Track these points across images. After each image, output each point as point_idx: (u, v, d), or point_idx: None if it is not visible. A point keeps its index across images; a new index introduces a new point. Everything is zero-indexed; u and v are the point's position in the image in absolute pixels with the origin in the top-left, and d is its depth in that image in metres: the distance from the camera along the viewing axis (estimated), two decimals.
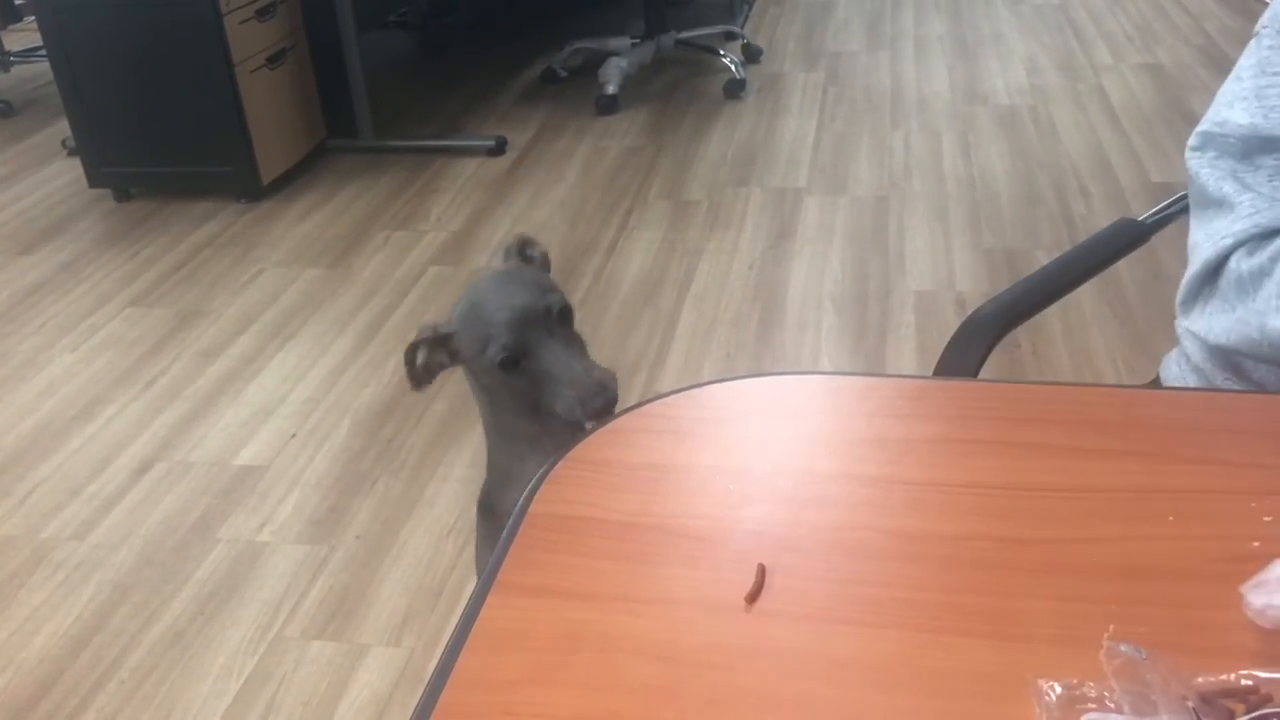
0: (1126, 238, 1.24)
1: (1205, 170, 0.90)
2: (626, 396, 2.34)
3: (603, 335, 2.40)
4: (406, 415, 2.18)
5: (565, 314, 0.99)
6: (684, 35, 3.96)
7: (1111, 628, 0.57)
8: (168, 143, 3.10)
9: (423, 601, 1.73)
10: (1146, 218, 1.26)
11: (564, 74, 3.96)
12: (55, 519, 1.95)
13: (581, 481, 0.71)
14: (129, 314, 2.62)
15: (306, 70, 3.31)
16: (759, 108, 3.66)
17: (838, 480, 0.70)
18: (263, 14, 3.07)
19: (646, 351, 2.33)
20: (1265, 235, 0.84)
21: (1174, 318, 0.97)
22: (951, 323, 2.33)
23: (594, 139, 3.48)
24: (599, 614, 0.60)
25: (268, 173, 3.13)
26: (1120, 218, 1.27)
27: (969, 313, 1.15)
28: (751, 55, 4.07)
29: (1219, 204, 0.88)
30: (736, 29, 4.17)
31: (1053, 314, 2.28)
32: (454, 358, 1.02)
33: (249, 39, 3.01)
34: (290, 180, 3.25)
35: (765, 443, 0.75)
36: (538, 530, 0.68)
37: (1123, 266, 2.40)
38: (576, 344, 1.00)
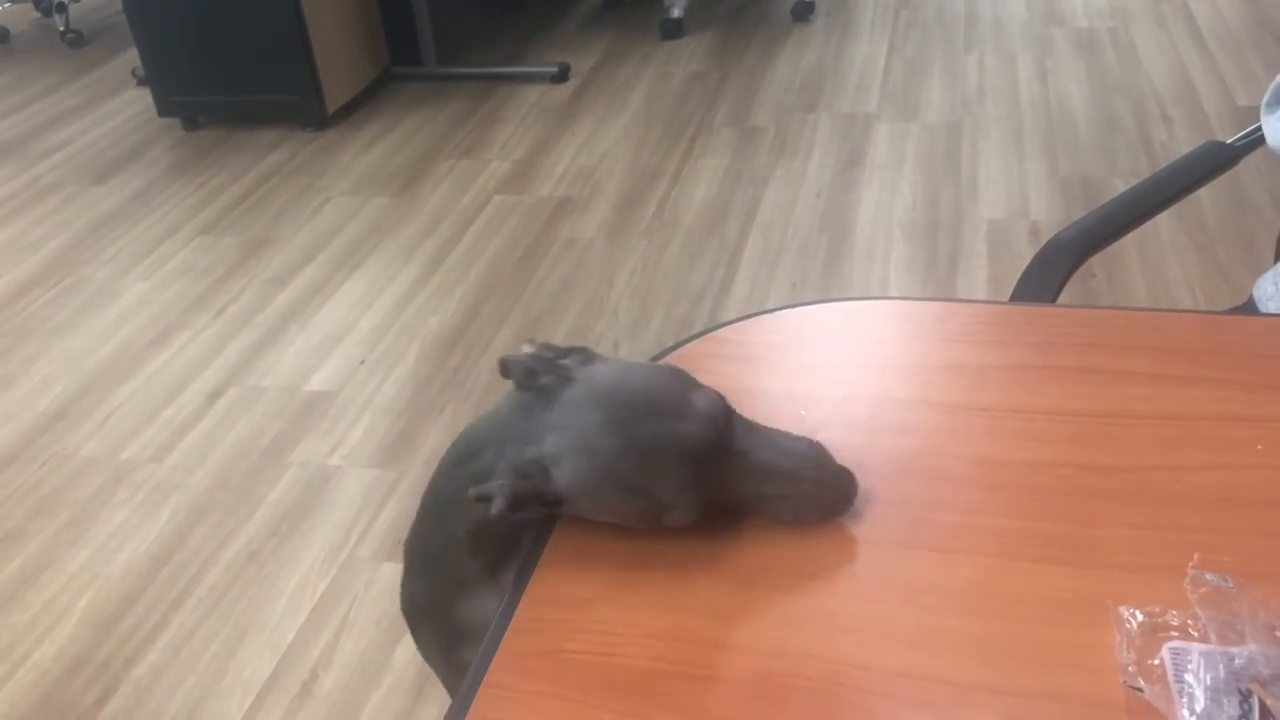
0: (1213, 161, 1.20)
1: None
2: (691, 326, 2.30)
3: (667, 264, 2.39)
4: (473, 344, 2.20)
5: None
6: None
7: (1196, 556, 0.56)
8: (235, 71, 3.11)
9: None
10: (1234, 140, 1.21)
11: (628, 0, 3.90)
12: (134, 441, 2.01)
13: None
14: (199, 242, 2.66)
15: None
16: (827, 31, 3.58)
17: (914, 406, 0.69)
18: None
19: (711, 281, 2.32)
20: None
21: (1258, 247, 0.94)
22: (1025, 252, 2.28)
23: (658, 65, 3.43)
24: (672, 536, 0.60)
25: (333, 101, 3.14)
26: (1207, 141, 1.23)
27: (1043, 243, 1.12)
28: None
29: None
30: None
31: (1129, 242, 2.22)
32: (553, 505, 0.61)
33: None
34: (354, 109, 3.25)
35: (838, 368, 0.74)
36: None
37: (1204, 193, 2.33)
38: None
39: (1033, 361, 0.73)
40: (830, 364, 0.75)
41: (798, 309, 0.81)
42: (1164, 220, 2.27)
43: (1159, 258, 2.22)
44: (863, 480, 0.60)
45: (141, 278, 2.53)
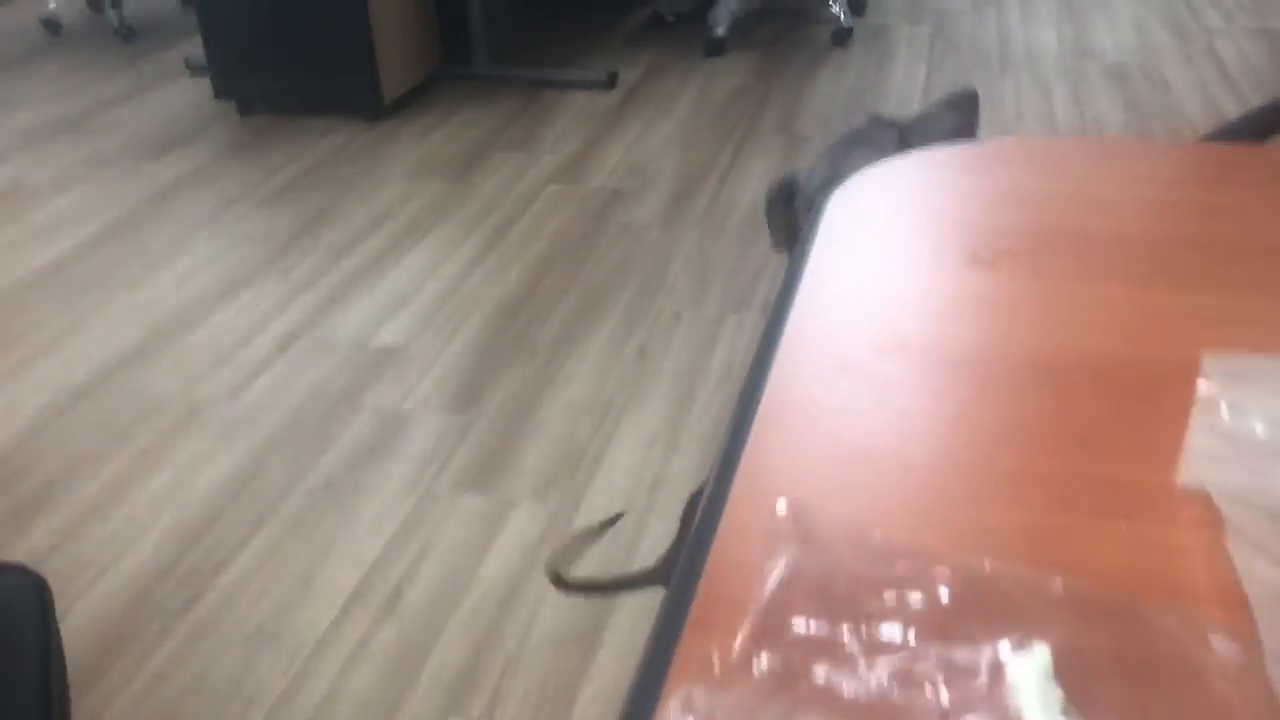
0: None
1: None
2: (750, 300, 2.36)
3: (722, 249, 2.45)
4: (535, 312, 2.25)
5: None
6: None
7: None
8: (295, 58, 3.19)
9: (565, 465, 1.79)
10: None
11: (671, 19, 4.01)
12: (206, 381, 2.04)
13: None
14: (261, 213, 2.71)
15: None
16: (865, 55, 3.68)
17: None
18: None
19: (766, 263, 2.38)
20: None
21: None
22: None
23: (702, 78, 3.52)
24: None
25: (389, 93, 3.22)
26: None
27: None
28: (857, 8, 4.08)
29: None
30: None
31: None
32: None
33: None
34: (407, 103, 3.33)
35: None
36: None
37: None
38: None
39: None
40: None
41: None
42: None
43: None
44: None
45: (205, 241, 2.58)
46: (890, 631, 0.40)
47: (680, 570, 0.43)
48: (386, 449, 1.85)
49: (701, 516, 0.46)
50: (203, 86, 3.40)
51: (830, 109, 3.23)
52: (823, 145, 1.16)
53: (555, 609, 1.52)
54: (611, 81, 3.46)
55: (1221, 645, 0.38)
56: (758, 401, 0.55)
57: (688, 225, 2.58)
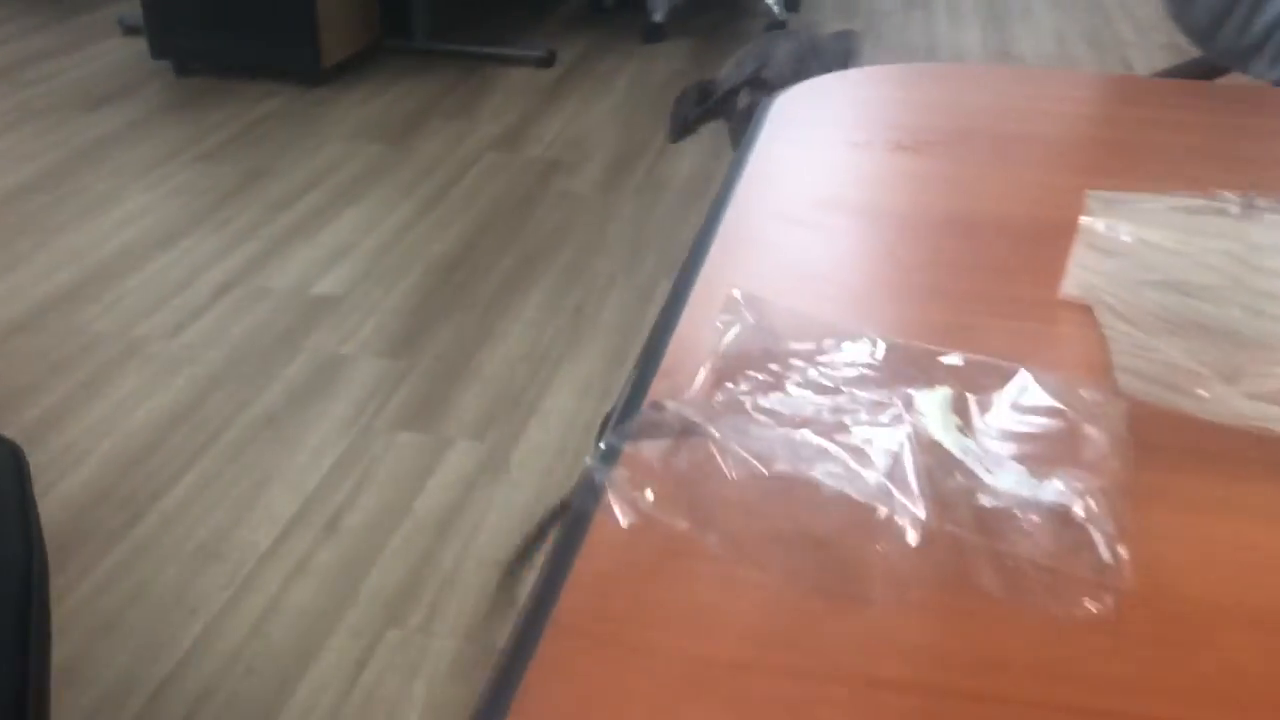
0: None
1: None
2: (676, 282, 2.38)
3: (659, 217, 2.53)
4: (474, 269, 2.30)
5: None
6: None
7: None
8: (235, 20, 3.19)
9: (502, 408, 1.85)
10: None
11: (609, 4, 4.08)
12: (145, 322, 2.06)
13: None
14: (199, 167, 2.72)
15: None
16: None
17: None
18: None
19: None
20: None
21: None
22: None
23: (640, 61, 3.60)
24: None
25: (329, 59, 3.23)
26: None
27: None
28: (791, 4, 4.20)
29: None
30: None
31: None
32: None
33: None
34: (346, 71, 3.34)
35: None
36: None
37: None
38: None
39: None
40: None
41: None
42: None
43: None
44: None
45: (142, 191, 2.58)
46: (823, 379, 0.47)
47: (649, 339, 0.50)
48: (325, 389, 1.89)
49: (667, 301, 0.53)
50: (137, 45, 3.38)
51: None
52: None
53: (492, 535, 1.58)
54: (550, 59, 3.52)
55: (1088, 394, 0.46)
56: (714, 232, 0.62)
57: (625, 194, 2.65)
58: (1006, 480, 0.41)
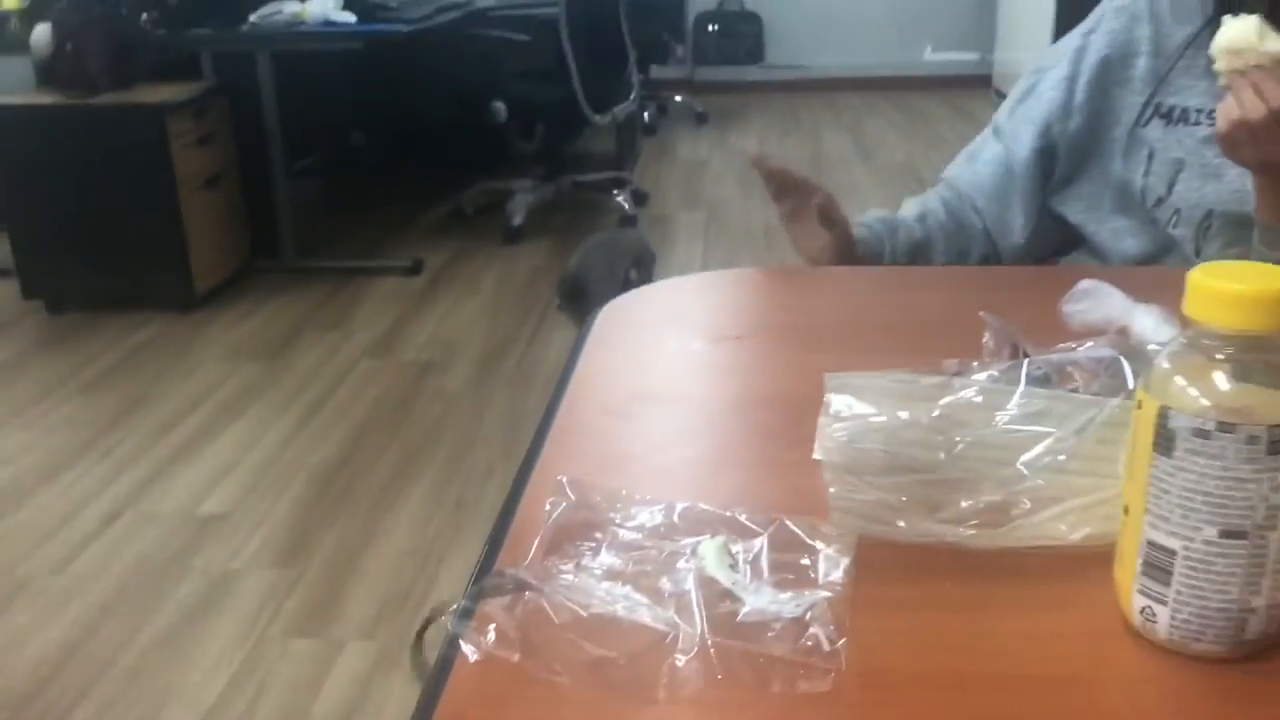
0: None
1: None
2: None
3: (531, 406, 2.68)
4: (356, 473, 2.40)
5: None
6: (580, 178, 4.41)
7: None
8: (106, 255, 3.31)
9: (391, 606, 1.93)
10: None
11: (470, 211, 4.33)
12: (30, 558, 2.09)
13: None
14: (78, 400, 2.78)
15: (236, 197, 3.59)
16: (650, 239, 4.08)
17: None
18: (203, 141, 3.36)
19: None
20: None
21: None
22: None
23: (504, 262, 3.83)
24: None
25: (201, 285, 3.36)
26: None
27: None
28: (639, 199, 4.52)
29: None
30: (625, 175, 4.65)
31: None
32: None
33: (190, 162, 3.29)
34: (219, 295, 3.47)
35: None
36: None
37: None
38: None
39: None
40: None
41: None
42: None
43: None
44: None
45: (19, 430, 2.63)
46: (630, 539, 0.61)
47: (495, 523, 0.64)
48: (218, 605, 1.94)
49: (510, 492, 0.68)
50: (8, 286, 3.45)
51: None
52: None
53: None
54: (418, 267, 3.72)
55: (825, 531, 0.62)
56: (549, 427, 0.77)
57: (497, 386, 2.80)
58: (761, 600, 0.55)
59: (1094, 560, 0.57)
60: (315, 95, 4.03)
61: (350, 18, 3.51)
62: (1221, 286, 0.50)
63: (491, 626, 0.54)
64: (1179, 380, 0.51)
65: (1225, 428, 0.49)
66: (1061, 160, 1.28)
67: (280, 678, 1.76)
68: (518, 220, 4.04)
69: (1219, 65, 0.97)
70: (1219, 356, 0.50)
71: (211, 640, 1.84)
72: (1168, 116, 1.22)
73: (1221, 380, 0.50)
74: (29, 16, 3.50)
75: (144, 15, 3.46)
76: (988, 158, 1.31)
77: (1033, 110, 1.28)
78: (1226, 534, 0.50)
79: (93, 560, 2.08)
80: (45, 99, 3.30)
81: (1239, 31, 0.95)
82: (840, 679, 0.51)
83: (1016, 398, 0.65)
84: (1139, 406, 0.53)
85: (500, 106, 3.94)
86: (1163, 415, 0.51)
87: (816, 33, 6.95)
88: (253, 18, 3.48)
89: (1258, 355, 0.50)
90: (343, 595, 1.96)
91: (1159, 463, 0.51)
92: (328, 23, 3.47)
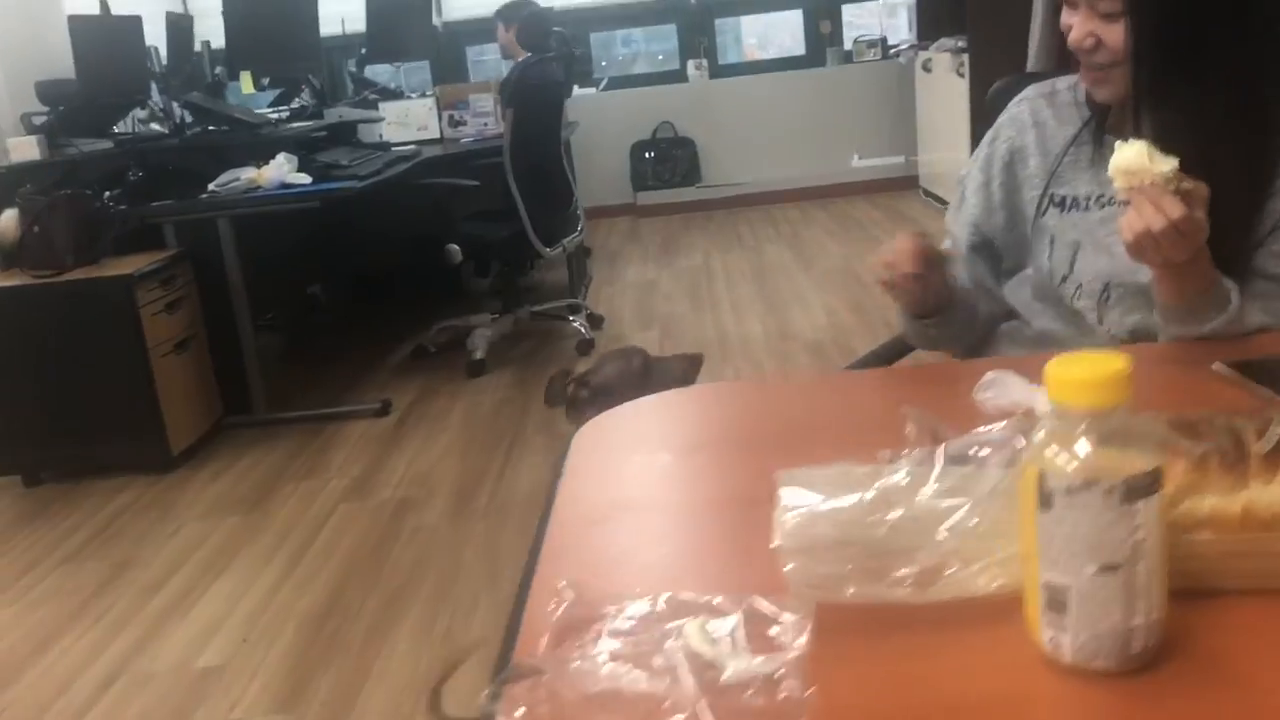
0: None
1: None
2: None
3: (508, 536, 2.77)
4: (344, 616, 2.47)
5: None
6: (536, 308, 4.57)
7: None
8: (78, 424, 3.39)
9: None
10: None
11: (433, 350, 4.47)
12: None
13: None
14: (62, 570, 2.83)
15: (205, 356, 3.70)
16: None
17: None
18: (171, 307, 3.49)
19: None
20: None
21: None
22: None
23: (469, 396, 3.94)
24: None
25: (176, 445, 3.44)
26: None
27: None
28: (595, 322, 4.69)
29: None
30: (580, 301, 4.82)
31: None
32: None
33: (160, 327, 3.41)
34: (194, 453, 3.55)
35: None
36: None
37: None
38: None
39: None
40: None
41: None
42: None
43: None
44: None
45: (4, 606, 2.67)
46: (625, 628, 0.72)
47: (508, 623, 0.75)
48: None
49: (516, 598, 0.79)
50: None
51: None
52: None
53: None
54: (386, 408, 3.82)
55: (791, 604, 0.73)
56: (543, 540, 0.88)
57: (474, 520, 2.89)
58: (740, 665, 0.66)
59: (1009, 605, 0.69)
60: (274, 253, 4.18)
61: (305, 179, 3.69)
62: (1073, 375, 0.63)
63: (520, 710, 0.65)
64: (1051, 449, 0.64)
65: (1088, 485, 0.62)
66: (1000, 253, 1.46)
67: None
68: (479, 354, 4.18)
69: (1118, 184, 1.13)
70: (1079, 429, 0.63)
71: None
72: (1061, 205, 1.39)
73: (1082, 446, 0.63)
74: None
75: (106, 194, 3.61)
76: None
77: (964, 215, 1.47)
78: (1104, 569, 0.63)
79: None
80: (14, 280, 3.41)
81: (1132, 155, 1.11)
82: None
83: (935, 476, 0.78)
84: (1024, 474, 0.65)
85: (455, 249, 4.11)
86: (1041, 478, 0.63)
87: (749, 151, 7.28)
88: (212, 186, 3.64)
89: (1106, 425, 0.63)
90: None
91: (1042, 517, 0.64)
92: (284, 185, 3.64)
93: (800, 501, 0.80)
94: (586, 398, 1.74)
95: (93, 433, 3.40)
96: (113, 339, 3.32)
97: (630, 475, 1.03)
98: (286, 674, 2.24)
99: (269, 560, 2.77)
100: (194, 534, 2.97)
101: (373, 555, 2.74)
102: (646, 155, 7.30)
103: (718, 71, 7.46)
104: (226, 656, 2.32)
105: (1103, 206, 1.36)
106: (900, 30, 7.22)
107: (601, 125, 6.93)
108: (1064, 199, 1.39)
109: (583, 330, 4.39)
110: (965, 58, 5.49)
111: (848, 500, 0.80)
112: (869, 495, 0.79)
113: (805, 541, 0.76)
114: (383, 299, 5.32)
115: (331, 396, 4.05)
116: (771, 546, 0.79)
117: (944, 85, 6.02)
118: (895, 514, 0.77)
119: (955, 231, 1.48)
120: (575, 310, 4.75)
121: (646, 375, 2.26)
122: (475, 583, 2.54)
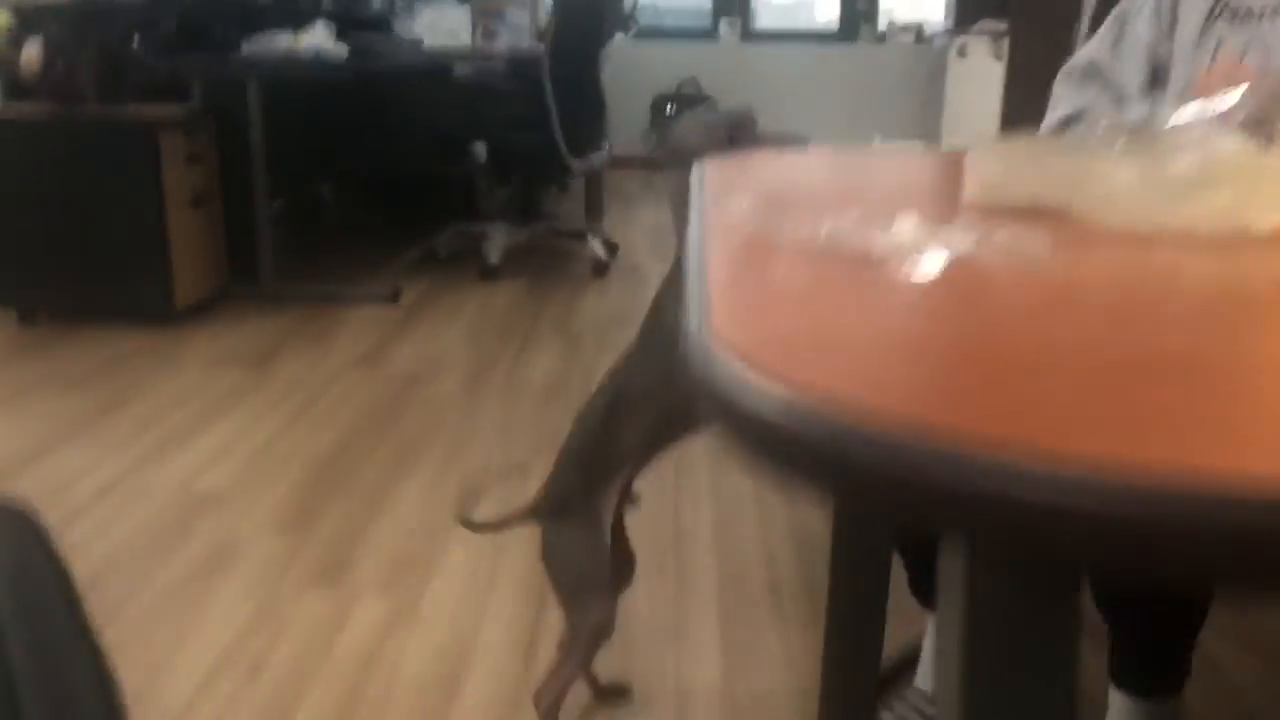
0: None
1: None
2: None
3: (524, 410, 2.70)
4: (355, 458, 2.39)
5: None
6: (554, 225, 4.49)
7: None
8: (82, 263, 3.29)
9: (402, 570, 1.92)
10: None
11: (443, 255, 4.38)
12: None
13: None
14: (58, 399, 2.74)
15: (219, 218, 3.60)
16: (623, 283, 4.16)
17: None
18: (191, 160, 3.39)
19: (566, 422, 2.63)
20: None
21: None
22: None
23: (481, 296, 3.86)
24: None
25: (181, 301, 3.34)
26: None
27: None
28: (611, 250, 4.61)
29: None
30: (596, 226, 4.75)
31: None
32: None
33: (178, 178, 3.31)
34: (197, 313, 3.45)
35: None
36: None
37: None
38: None
39: None
40: None
41: None
42: None
43: None
44: None
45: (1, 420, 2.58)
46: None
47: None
48: (225, 563, 1.91)
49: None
50: None
51: (600, 318, 3.62)
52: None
53: (418, 667, 1.62)
54: (395, 297, 3.74)
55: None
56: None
57: (488, 396, 2.82)
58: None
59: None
60: (291, 138, 4.08)
61: (342, 50, 3.60)
62: None
63: None
64: None
65: None
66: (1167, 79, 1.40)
67: (297, 621, 1.73)
68: (494, 259, 4.10)
69: None
70: None
71: (222, 592, 1.81)
72: (1234, 15, 1.33)
73: None
74: (13, 35, 3.51)
75: (135, 40, 3.51)
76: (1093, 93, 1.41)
77: (1133, 49, 1.40)
78: None
79: (90, 528, 2.03)
80: (32, 112, 3.30)
81: None
82: None
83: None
84: None
85: (480, 147, 4.02)
86: None
87: (770, 117, 7.15)
88: (247, 45, 3.55)
89: None
90: (351, 557, 1.94)
91: None
92: (319, 54, 3.55)
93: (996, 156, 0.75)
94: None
95: (97, 276, 3.30)
96: (130, 182, 3.22)
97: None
98: (293, 503, 2.16)
99: (274, 409, 2.69)
100: (197, 381, 2.88)
101: (384, 415, 2.67)
102: (668, 109, 7.22)
103: (749, 35, 7.40)
104: (229, 483, 2.24)
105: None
106: (936, 13, 7.18)
107: (627, 72, 6.84)
108: (1237, 8, 1.33)
109: (600, 253, 4.31)
110: (1005, 42, 5.45)
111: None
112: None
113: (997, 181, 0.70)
114: (391, 202, 5.22)
115: (340, 278, 3.97)
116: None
117: (979, 70, 5.98)
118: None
119: (1118, 75, 1.41)
120: (593, 232, 4.67)
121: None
122: (489, 446, 2.47)
